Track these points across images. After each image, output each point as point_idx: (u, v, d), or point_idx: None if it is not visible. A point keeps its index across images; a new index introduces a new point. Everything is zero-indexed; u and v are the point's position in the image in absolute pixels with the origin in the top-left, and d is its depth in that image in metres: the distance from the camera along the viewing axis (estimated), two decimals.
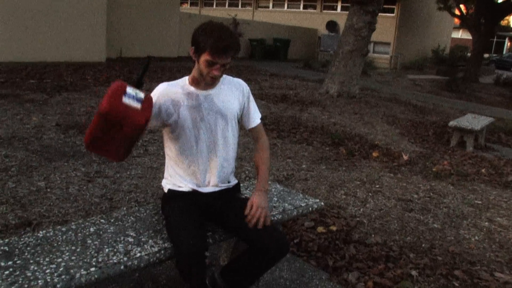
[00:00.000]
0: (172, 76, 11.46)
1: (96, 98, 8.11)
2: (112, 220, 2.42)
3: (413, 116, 10.28)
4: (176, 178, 2.49)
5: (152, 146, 5.64)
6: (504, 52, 47.56)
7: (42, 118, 6.40)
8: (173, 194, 2.48)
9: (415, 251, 3.68)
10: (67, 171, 4.54)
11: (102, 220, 2.41)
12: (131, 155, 5.21)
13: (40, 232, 2.21)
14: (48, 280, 1.82)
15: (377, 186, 5.18)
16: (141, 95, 2.10)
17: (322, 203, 3.06)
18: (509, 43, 51.10)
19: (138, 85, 2.16)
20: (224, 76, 2.50)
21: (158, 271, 2.96)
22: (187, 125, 2.38)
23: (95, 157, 5.00)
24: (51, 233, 2.21)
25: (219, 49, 2.19)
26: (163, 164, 4.87)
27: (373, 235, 3.89)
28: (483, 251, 3.85)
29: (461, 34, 47.77)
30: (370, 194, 4.90)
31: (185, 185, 2.47)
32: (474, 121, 7.83)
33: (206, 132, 2.41)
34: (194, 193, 2.46)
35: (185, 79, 2.44)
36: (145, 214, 2.55)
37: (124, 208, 3.44)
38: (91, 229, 2.29)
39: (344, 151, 6.43)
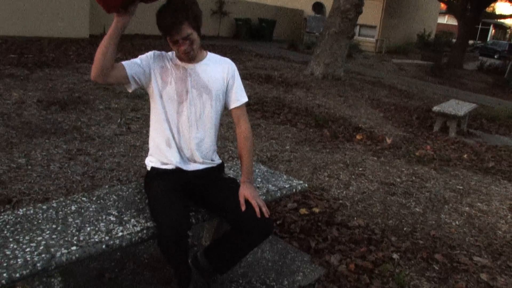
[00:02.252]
0: None
1: (79, 74, 7.99)
2: (94, 199, 2.39)
3: (397, 100, 10.32)
4: (158, 153, 2.47)
5: (135, 124, 5.58)
6: (488, 39, 47.86)
7: (22, 94, 6.28)
8: (156, 172, 2.46)
9: (397, 234, 3.71)
10: (48, 148, 4.47)
11: (83, 199, 2.37)
12: (115, 133, 5.15)
13: (20, 210, 2.17)
14: (28, 259, 1.79)
15: (360, 169, 5.20)
16: None
17: (306, 185, 3.06)
18: (493, 31, 51.44)
19: None
20: (213, 54, 2.51)
21: (140, 250, 2.94)
22: (171, 95, 2.38)
23: (77, 134, 4.94)
24: (31, 211, 2.17)
25: (166, 26, 2.19)
26: (146, 143, 4.83)
27: (355, 218, 3.91)
28: (463, 235, 3.90)
29: (447, 20, 47.90)
30: (353, 176, 4.92)
31: (168, 161, 2.45)
32: (458, 107, 7.88)
33: (189, 106, 2.40)
34: (177, 170, 2.44)
35: (172, 52, 2.45)
36: (127, 193, 2.51)
37: (106, 187, 3.41)
38: (73, 208, 2.26)
39: (328, 133, 6.44)
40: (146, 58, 2.37)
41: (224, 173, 2.69)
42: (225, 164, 2.88)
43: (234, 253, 2.40)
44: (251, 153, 2.52)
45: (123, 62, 2.27)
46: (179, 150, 2.46)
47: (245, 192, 2.31)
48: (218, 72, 2.47)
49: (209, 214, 2.42)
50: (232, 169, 3.07)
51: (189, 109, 2.40)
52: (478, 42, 42.76)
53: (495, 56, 34.76)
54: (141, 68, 2.31)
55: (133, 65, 2.29)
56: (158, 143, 2.46)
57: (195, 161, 2.50)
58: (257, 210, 2.23)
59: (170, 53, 2.45)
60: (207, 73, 2.43)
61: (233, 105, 2.52)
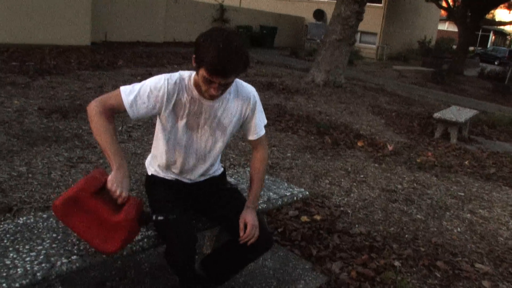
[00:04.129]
0: (158, 61, 11.36)
1: (80, 82, 8.00)
2: None
3: (398, 107, 10.33)
4: (158, 163, 2.38)
5: (136, 132, 5.58)
6: (489, 45, 47.94)
7: (24, 101, 6.29)
8: (156, 179, 2.40)
9: (399, 241, 3.70)
10: (49, 156, 4.47)
11: None
12: None
13: (21, 218, 2.17)
14: (28, 268, 1.78)
15: (362, 176, 5.19)
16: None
17: (307, 193, 3.05)
18: (493, 37, 51.51)
19: (144, 224, 2.03)
20: (235, 81, 2.24)
21: (141, 258, 2.93)
22: (181, 129, 2.21)
23: (78, 142, 4.94)
24: (32, 220, 2.16)
25: (218, 69, 1.90)
26: (147, 150, 4.83)
27: (357, 225, 3.90)
28: (465, 242, 3.89)
29: (447, 27, 47.97)
30: (354, 184, 4.91)
31: (167, 175, 2.40)
32: (459, 114, 7.88)
33: (200, 140, 2.27)
34: (177, 181, 2.40)
35: (188, 78, 2.17)
36: None
37: None
38: None
39: (329, 140, 6.44)
40: (156, 95, 2.09)
41: (226, 181, 2.64)
42: (226, 172, 2.86)
43: (232, 265, 2.38)
44: (263, 178, 2.41)
45: (126, 107, 2.08)
46: (181, 173, 2.37)
47: (246, 217, 2.22)
48: (238, 107, 2.26)
49: (210, 222, 2.42)
50: (233, 176, 3.06)
51: (198, 144, 2.28)
52: (479, 48, 42.82)
53: (496, 63, 34.79)
54: (148, 109, 2.11)
55: (137, 109, 2.09)
56: (160, 157, 2.34)
57: (198, 177, 2.43)
58: (249, 241, 2.18)
59: (184, 79, 2.16)
60: (225, 110, 2.23)
61: (251, 137, 2.37)
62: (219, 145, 2.32)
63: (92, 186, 1.89)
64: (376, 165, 5.70)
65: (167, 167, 2.36)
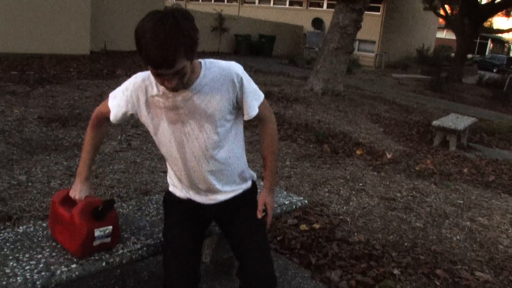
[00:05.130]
0: None
1: (79, 91, 8.02)
2: None
3: (397, 115, 10.35)
4: (170, 176, 2.26)
5: (136, 141, 5.59)
6: (487, 53, 48.11)
7: (24, 110, 6.30)
8: (170, 198, 2.26)
9: (398, 250, 3.70)
10: (48, 165, 4.48)
11: None
12: (115, 150, 5.16)
13: (20, 227, 2.17)
14: (28, 277, 1.79)
15: (361, 184, 5.20)
16: (109, 229, 2.01)
17: (306, 201, 3.06)
18: (491, 45, 51.71)
19: (100, 218, 1.99)
20: (208, 64, 1.97)
21: (141, 267, 2.93)
22: (166, 134, 2.01)
23: (78, 151, 4.94)
24: (32, 229, 2.17)
25: (157, 61, 1.65)
26: (146, 159, 4.84)
27: (356, 234, 3.90)
28: (464, 250, 3.89)
29: (446, 34, 48.14)
30: (353, 192, 4.92)
31: (181, 191, 2.21)
32: (457, 121, 7.90)
33: (190, 139, 1.99)
34: (192, 203, 2.19)
35: None
36: (127, 210, 2.51)
37: None
38: None
39: (328, 149, 6.45)
40: (126, 94, 2.01)
41: (256, 196, 2.32)
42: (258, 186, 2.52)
43: None
44: (276, 153, 2.23)
45: (111, 112, 2.06)
46: (191, 184, 2.13)
47: (267, 199, 2.16)
48: (219, 93, 1.96)
49: (209, 230, 2.41)
50: None
51: (191, 143, 2.00)
52: (477, 56, 42.95)
53: (494, 70, 34.91)
54: (123, 111, 2.04)
55: (115, 112, 2.06)
56: (168, 167, 2.22)
57: (215, 192, 2.15)
58: (268, 222, 2.15)
59: None
60: (204, 97, 1.93)
61: (249, 116, 2.08)
62: (214, 139, 1.99)
63: (59, 196, 2.09)
64: (375, 173, 5.70)
65: (177, 178, 2.18)
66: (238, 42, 21.44)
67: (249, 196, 2.26)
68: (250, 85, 2.04)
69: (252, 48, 21.84)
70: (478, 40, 45.61)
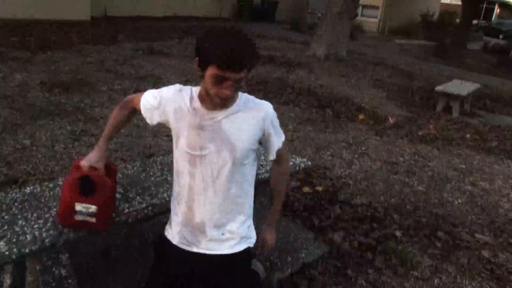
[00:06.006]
0: (159, 35, 11.27)
1: (81, 56, 7.97)
2: None
3: (400, 81, 10.29)
4: (172, 200, 2.06)
5: None
6: (493, 18, 47.40)
7: (26, 76, 6.28)
8: (162, 242, 2.05)
9: (400, 212, 3.74)
10: (52, 129, 4.50)
11: None
12: None
13: (27, 188, 2.20)
14: (37, 235, 1.82)
15: (363, 148, 5.21)
16: (92, 208, 1.88)
17: (309, 163, 3.08)
18: (498, 10, 50.93)
19: (84, 194, 1.89)
20: (245, 96, 1.91)
21: (145, 227, 2.97)
22: (183, 147, 1.89)
23: (81, 115, 4.95)
24: (38, 189, 2.20)
25: (231, 60, 1.65)
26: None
27: (358, 196, 3.94)
28: (466, 213, 3.93)
29: (451, 0, 47.42)
30: (356, 156, 4.94)
31: (171, 229, 2.01)
32: (461, 87, 7.86)
33: (205, 162, 1.88)
34: (179, 251, 1.98)
35: (195, 89, 1.91)
36: (132, 171, 2.53)
37: None
38: None
39: (331, 113, 6.44)
40: (160, 96, 1.97)
41: (249, 263, 2.13)
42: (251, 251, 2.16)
43: None
44: (284, 191, 2.18)
45: (141, 108, 2.03)
46: (186, 219, 1.94)
47: (267, 236, 2.13)
48: (249, 127, 1.88)
49: None
50: None
51: (204, 166, 1.88)
52: (483, 22, 42.34)
53: (500, 36, 34.42)
54: (155, 112, 2.00)
55: (151, 114, 2.02)
56: (173, 185, 2.04)
57: (205, 234, 1.94)
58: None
59: (194, 89, 1.92)
60: (232, 125, 1.86)
61: (270, 157, 2.04)
62: (228, 167, 1.87)
63: (78, 162, 2.00)
64: (378, 137, 5.71)
65: (175, 210, 2.00)
66: (240, 7, 21.16)
67: (243, 260, 2.05)
68: (278, 125, 1.98)
69: (254, 13, 21.56)
70: (484, 5, 44.90)
